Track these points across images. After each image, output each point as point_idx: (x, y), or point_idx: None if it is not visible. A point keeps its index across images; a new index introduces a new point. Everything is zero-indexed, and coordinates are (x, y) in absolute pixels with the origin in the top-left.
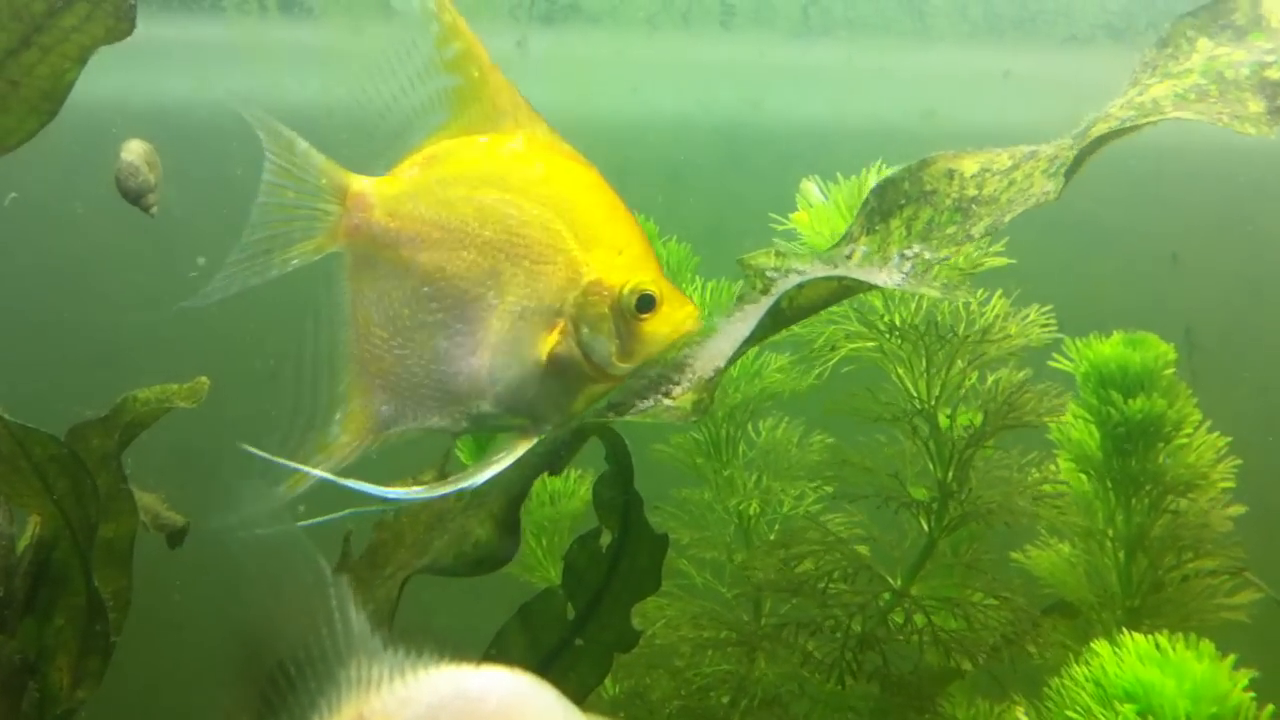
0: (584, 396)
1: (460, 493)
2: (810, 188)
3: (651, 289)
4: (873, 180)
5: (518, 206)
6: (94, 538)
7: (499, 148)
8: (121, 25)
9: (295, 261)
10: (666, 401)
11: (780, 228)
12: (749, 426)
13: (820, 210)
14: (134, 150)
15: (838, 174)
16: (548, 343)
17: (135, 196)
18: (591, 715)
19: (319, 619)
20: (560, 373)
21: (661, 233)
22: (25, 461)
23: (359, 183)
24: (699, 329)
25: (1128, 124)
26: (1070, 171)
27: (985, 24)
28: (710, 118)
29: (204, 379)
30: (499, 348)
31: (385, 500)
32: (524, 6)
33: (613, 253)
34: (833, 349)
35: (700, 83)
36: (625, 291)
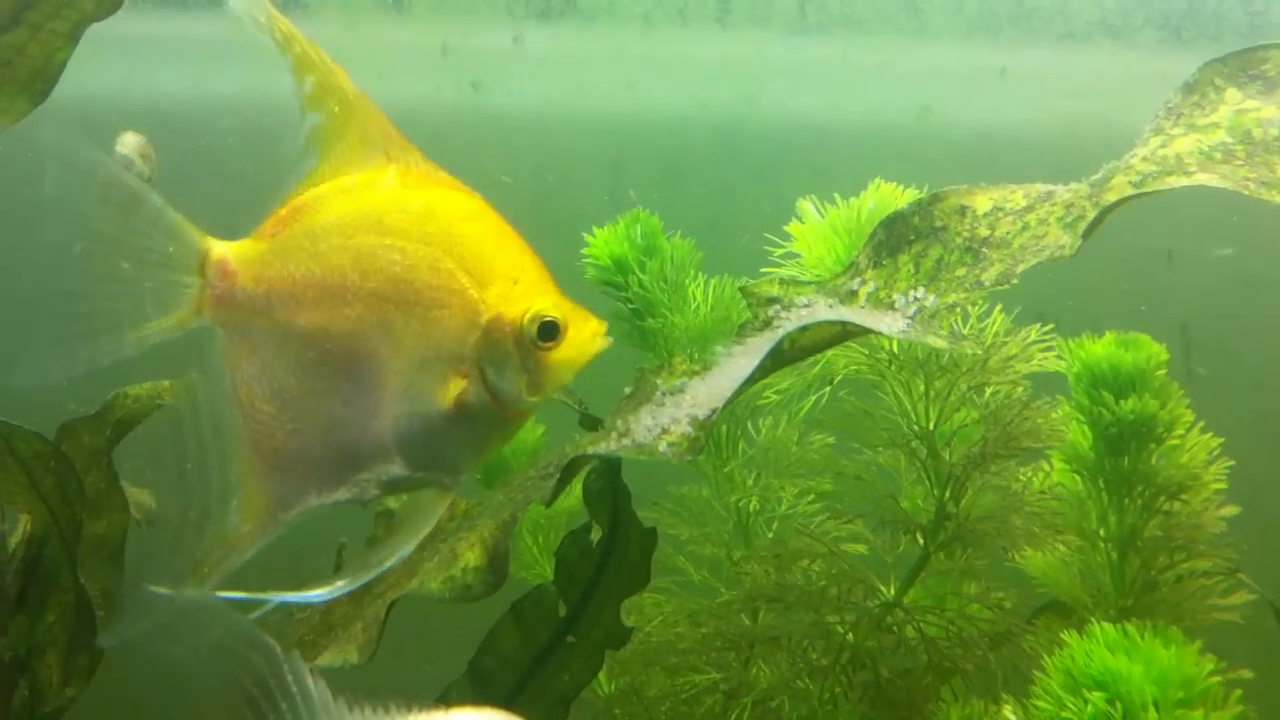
0: (497, 438)
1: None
2: (807, 207)
3: (553, 314)
4: (870, 201)
5: (400, 250)
6: (80, 535)
7: (371, 188)
8: (108, 1)
9: (153, 339)
10: (665, 438)
11: (778, 252)
12: (749, 424)
13: (816, 230)
14: (128, 143)
15: (835, 176)
16: (453, 390)
17: None
18: None
19: (278, 696)
20: (470, 419)
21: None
22: (11, 458)
23: (218, 248)
24: (606, 345)
25: (1149, 180)
26: (1088, 231)
27: (982, 21)
28: (707, 114)
29: (195, 375)
30: (401, 405)
31: (308, 604)
32: (520, 2)
33: (508, 284)
34: (829, 383)
35: (697, 79)
36: (526, 322)
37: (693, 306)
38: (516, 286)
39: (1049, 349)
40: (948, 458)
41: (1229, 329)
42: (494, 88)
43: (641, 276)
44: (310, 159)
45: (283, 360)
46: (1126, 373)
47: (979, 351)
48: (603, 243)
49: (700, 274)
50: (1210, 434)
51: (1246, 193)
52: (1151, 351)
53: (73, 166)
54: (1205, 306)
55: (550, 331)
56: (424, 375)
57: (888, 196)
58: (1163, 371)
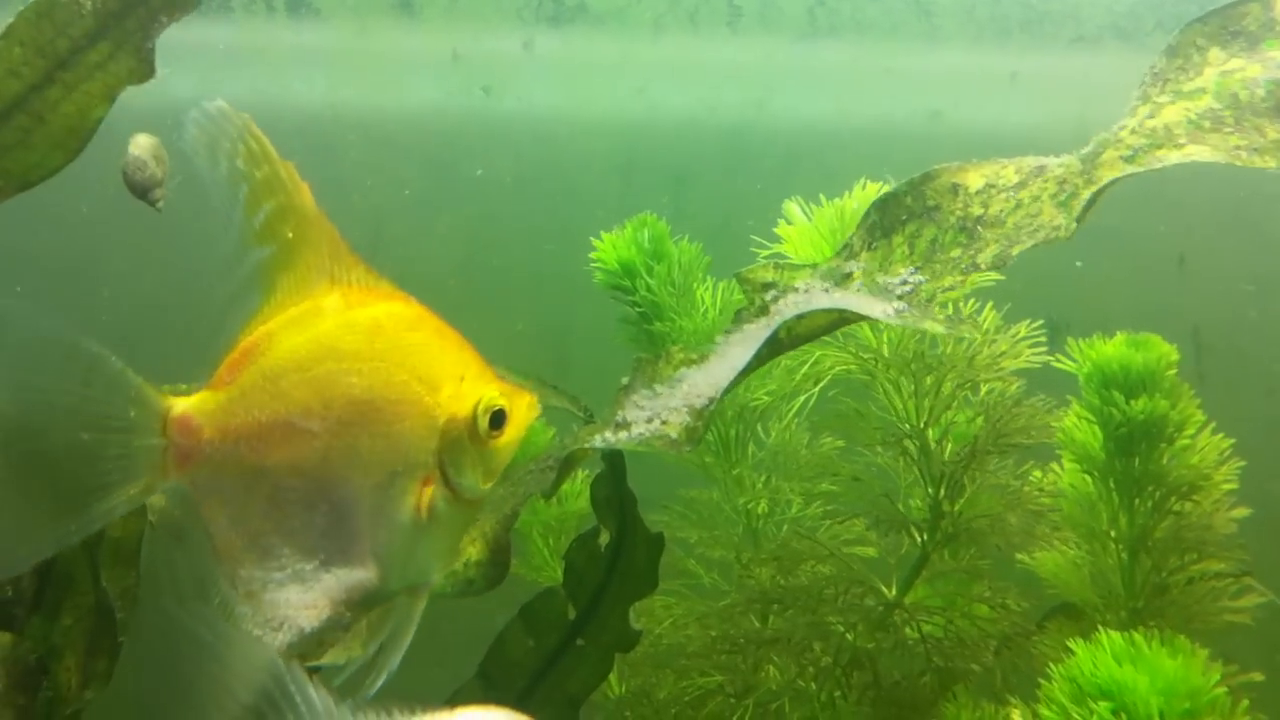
0: (463, 532)
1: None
2: (793, 208)
3: (501, 403)
4: (855, 203)
5: (357, 372)
6: (102, 537)
7: (319, 315)
8: (143, 66)
9: (121, 509)
10: (664, 429)
11: (765, 252)
12: (758, 427)
13: (802, 231)
14: (141, 145)
15: (845, 180)
16: (423, 500)
17: (142, 191)
18: None
19: (283, 707)
20: (440, 522)
21: (669, 234)
22: None
23: (179, 405)
24: (537, 414)
25: (1140, 154)
26: (1082, 214)
27: (992, 25)
28: (716, 119)
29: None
30: (377, 525)
31: None
32: (530, 8)
33: (456, 382)
34: (816, 383)
35: (706, 84)
36: (479, 414)
37: (701, 310)
38: (464, 383)
39: (1039, 345)
40: (944, 455)
41: (1241, 331)
42: (505, 93)
43: (649, 280)
44: (255, 297)
45: (256, 505)
46: (1137, 373)
47: (976, 336)
48: (610, 247)
49: (708, 277)
50: (1221, 435)
51: (1239, 162)
52: (1162, 351)
53: (22, 337)
54: (1217, 309)
55: (500, 419)
56: (394, 491)
57: (871, 197)
58: (1173, 371)
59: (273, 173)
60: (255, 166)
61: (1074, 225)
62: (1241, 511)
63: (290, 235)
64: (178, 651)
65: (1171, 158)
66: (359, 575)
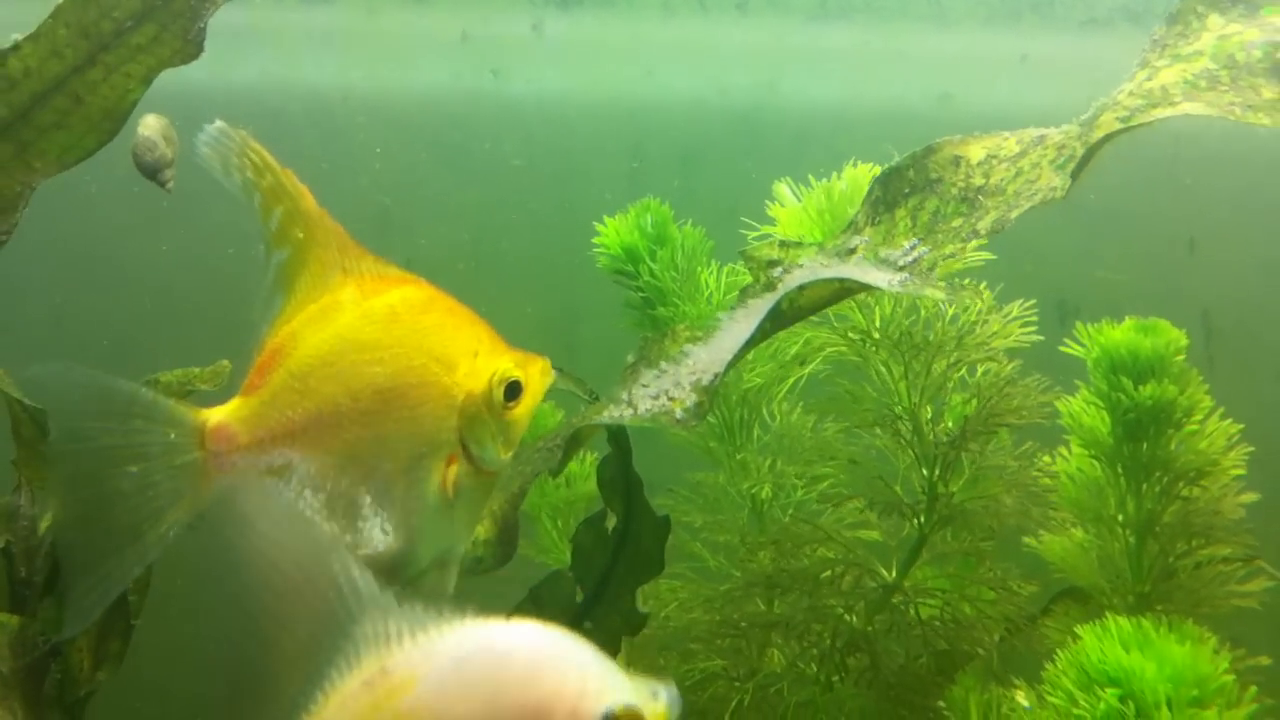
0: (485, 502)
1: None
2: (784, 189)
3: (515, 374)
4: (843, 184)
5: (379, 360)
6: None
7: (338, 309)
8: (189, 48)
9: (174, 530)
10: (670, 405)
11: (753, 234)
12: (763, 410)
13: (792, 212)
14: (151, 125)
15: (852, 159)
16: (448, 477)
17: (152, 171)
18: (634, 675)
19: (323, 582)
20: (466, 496)
21: (676, 216)
22: (46, 445)
23: (214, 417)
24: (553, 379)
25: (1136, 114)
26: (1076, 170)
27: (1002, 7)
28: (726, 101)
29: (225, 362)
30: (407, 510)
31: None
32: None
33: (470, 358)
34: (802, 364)
35: (716, 66)
36: (494, 387)
37: (705, 294)
38: (478, 358)
39: (1029, 324)
40: (941, 437)
41: (1251, 315)
42: (514, 75)
43: (652, 265)
44: (278, 298)
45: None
46: (1145, 358)
47: (979, 304)
48: (614, 232)
49: (713, 261)
50: (1230, 420)
51: (1233, 118)
52: (1170, 337)
53: (64, 394)
54: (1227, 293)
55: (515, 390)
56: (421, 473)
57: (860, 177)
58: (1181, 357)
59: (276, 181)
60: (260, 175)
61: (1069, 183)
62: (1250, 496)
63: (300, 236)
64: (228, 532)
65: (1166, 114)
66: (397, 565)
